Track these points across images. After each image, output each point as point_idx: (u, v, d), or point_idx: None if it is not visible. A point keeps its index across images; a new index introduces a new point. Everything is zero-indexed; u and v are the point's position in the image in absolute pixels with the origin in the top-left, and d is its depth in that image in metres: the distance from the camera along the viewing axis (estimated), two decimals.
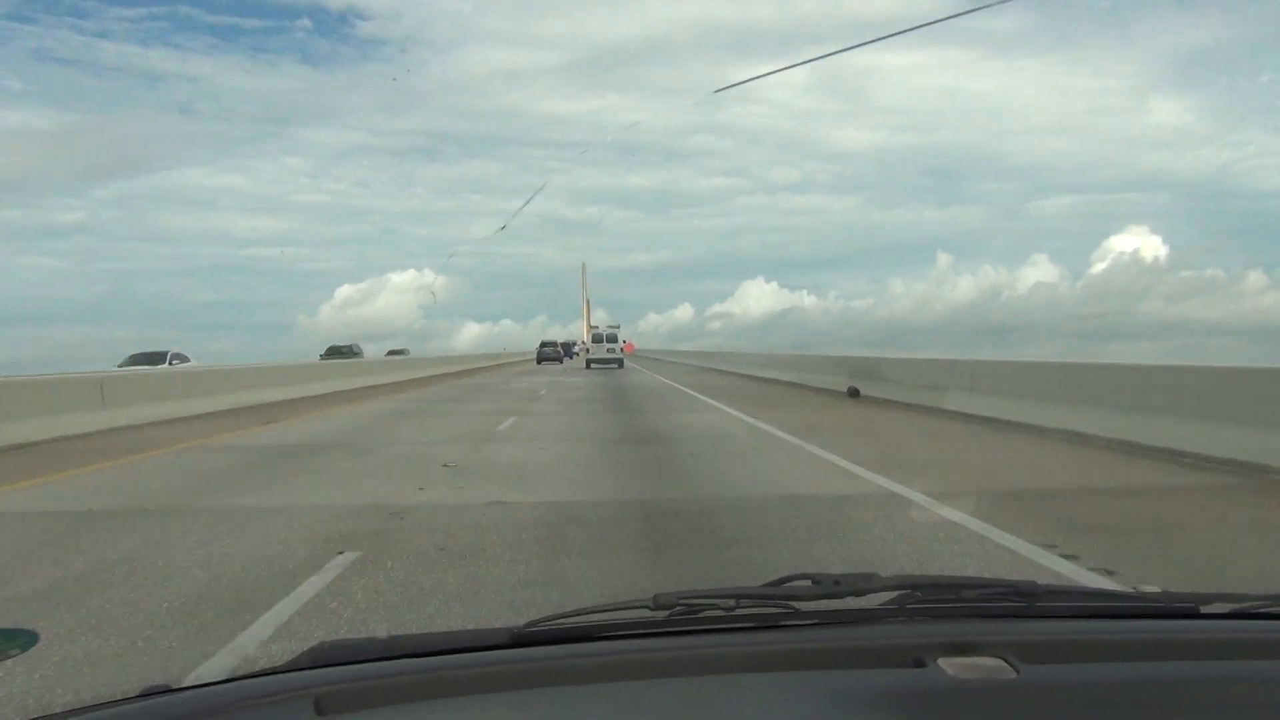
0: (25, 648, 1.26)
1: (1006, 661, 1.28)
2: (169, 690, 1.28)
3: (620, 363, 52.00)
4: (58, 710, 1.27)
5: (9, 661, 1.34)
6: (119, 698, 1.23)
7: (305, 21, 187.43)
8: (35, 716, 1.35)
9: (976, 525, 6.57)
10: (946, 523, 6.72)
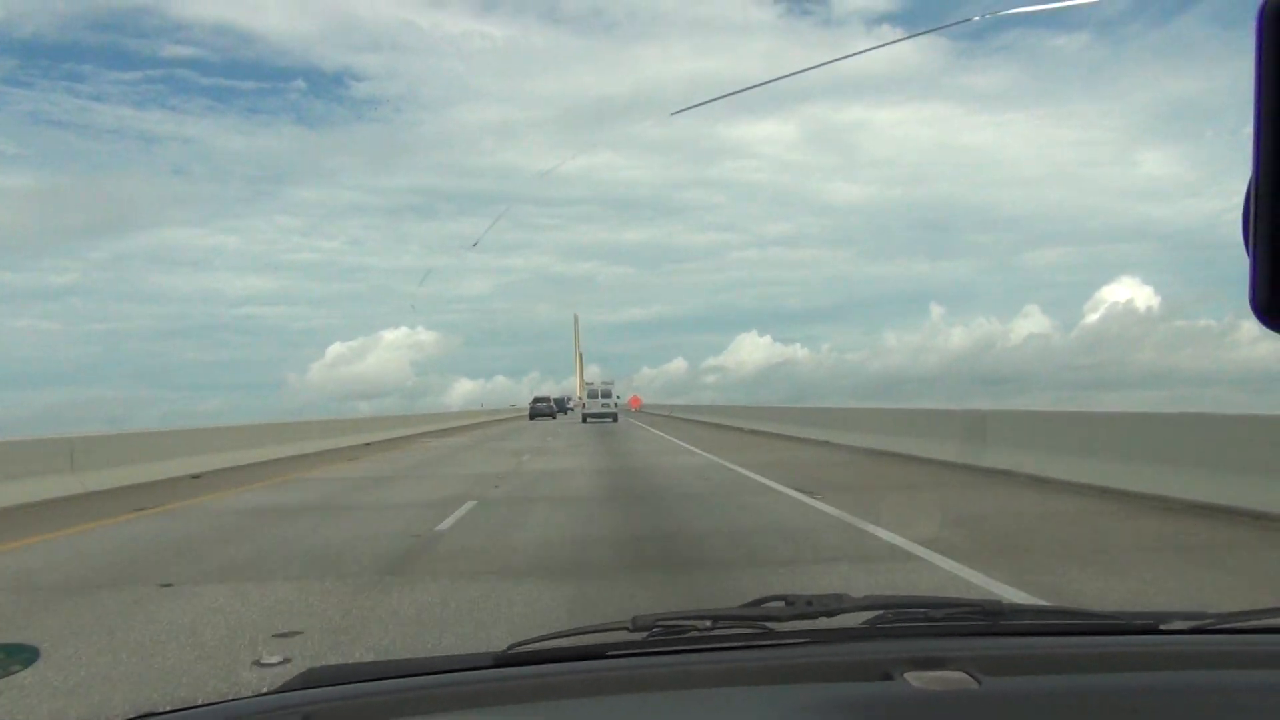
0: (26, 664, 1.30)
1: (970, 674, 1.32)
2: (156, 714, 1.32)
3: (615, 417, 53.53)
4: None
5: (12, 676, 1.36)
6: None
7: (300, 83, 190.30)
8: None
9: None
10: None
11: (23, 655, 1.29)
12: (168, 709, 1.33)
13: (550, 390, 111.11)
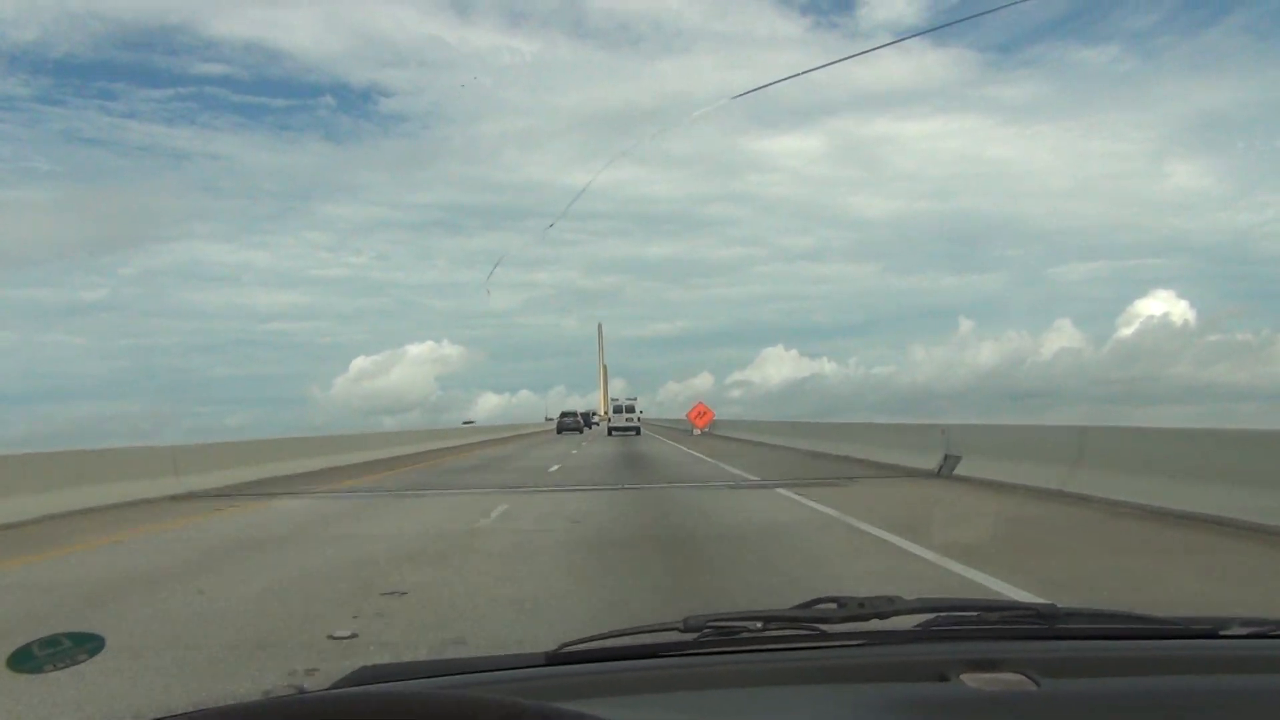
0: (93, 653, 1.34)
1: (1028, 677, 1.30)
2: (209, 710, 1.34)
3: (638, 430, 58.53)
4: None
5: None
6: (165, 716, 1.29)
7: (328, 99, 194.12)
8: None
9: None
10: None
11: (89, 644, 1.33)
12: (221, 705, 1.36)
13: (575, 404, 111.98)
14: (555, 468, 22.34)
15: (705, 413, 48.20)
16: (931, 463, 17.12)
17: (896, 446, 20.11)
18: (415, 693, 1.10)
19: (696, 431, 47.06)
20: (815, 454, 25.15)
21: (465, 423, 64.63)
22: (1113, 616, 1.66)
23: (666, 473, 19.87)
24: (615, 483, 16.94)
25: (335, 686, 1.42)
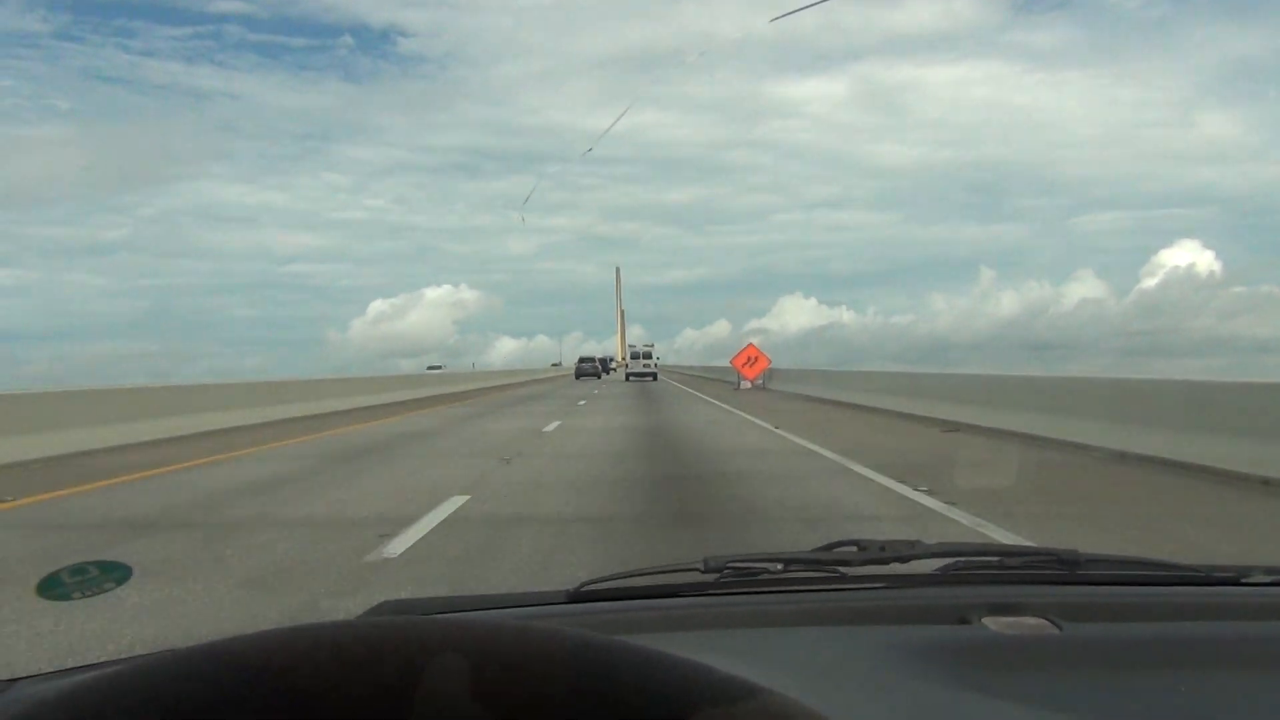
0: (120, 581, 1.37)
1: (1049, 620, 1.30)
2: (233, 640, 1.37)
3: (655, 376, 60.34)
4: (136, 653, 1.37)
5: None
6: (189, 645, 1.32)
7: (348, 39, 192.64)
8: (109, 659, 1.43)
9: None
10: None
11: (116, 573, 1.36)
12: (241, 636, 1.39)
13: (592, 350, 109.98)
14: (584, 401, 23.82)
15: (757, 358, 35.79)
16: None
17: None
18: (485, 621, 1.11)
19: (746, 384, 34.64)
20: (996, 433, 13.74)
21: (430, 368, 62.85)
22: (1135, 563, 1.65)
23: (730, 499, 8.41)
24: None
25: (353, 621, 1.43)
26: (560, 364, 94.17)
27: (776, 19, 16.97)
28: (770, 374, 35.72)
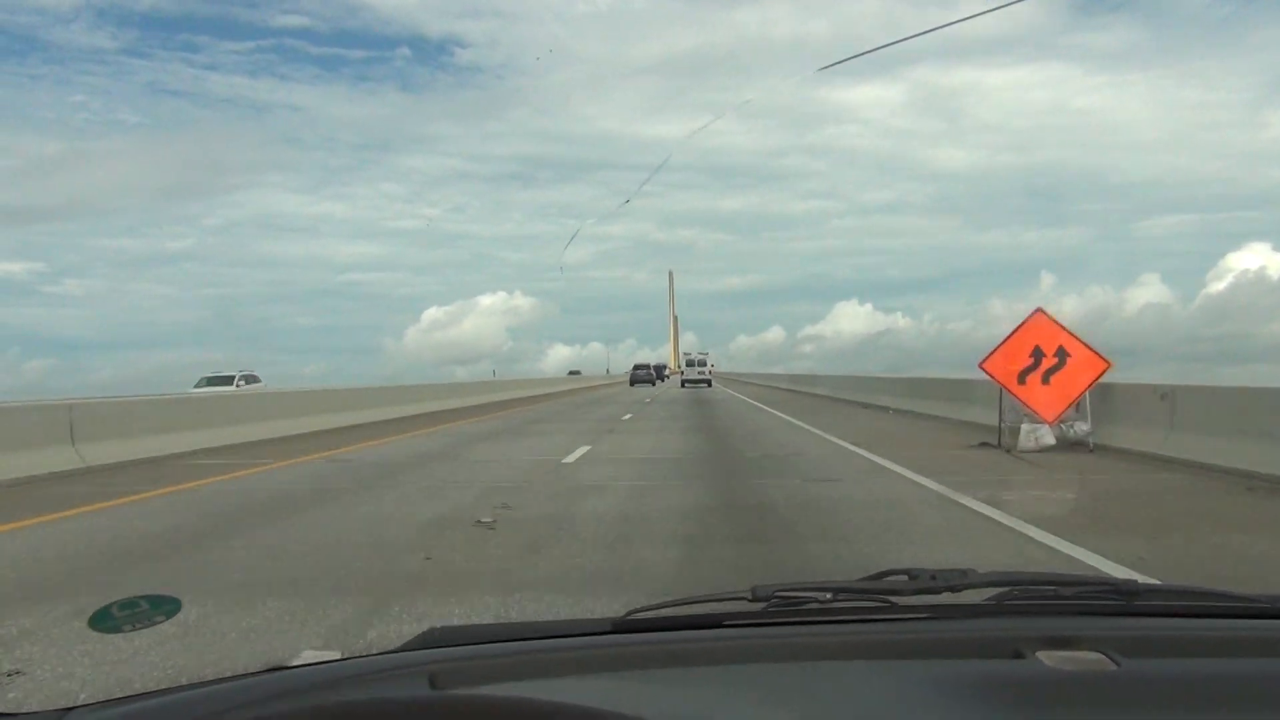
0: (170, 615, 1.40)
1: (1107, 655, 1.24)
2: (286, 667, 1.39)
3: (709, 382, 60.47)
4: (183, 682, 1.39)
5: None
6: (240, 673, 1.34)
7: (405, 50, 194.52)
8: (160, 687, 1.46)
9: None
10: None
11: (166, 607, 1.39)
12: (296, 664, 1.40)
13: (645, 357, 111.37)
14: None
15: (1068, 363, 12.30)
16: None
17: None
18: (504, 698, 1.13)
19: (1038, 432, 12.25)
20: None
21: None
22: (1196, 594, 1.57)
23: None
24: None
25: (405, 649, 1.44)
26: (579, 372, 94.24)
27: (824, 69, 16.91)
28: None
